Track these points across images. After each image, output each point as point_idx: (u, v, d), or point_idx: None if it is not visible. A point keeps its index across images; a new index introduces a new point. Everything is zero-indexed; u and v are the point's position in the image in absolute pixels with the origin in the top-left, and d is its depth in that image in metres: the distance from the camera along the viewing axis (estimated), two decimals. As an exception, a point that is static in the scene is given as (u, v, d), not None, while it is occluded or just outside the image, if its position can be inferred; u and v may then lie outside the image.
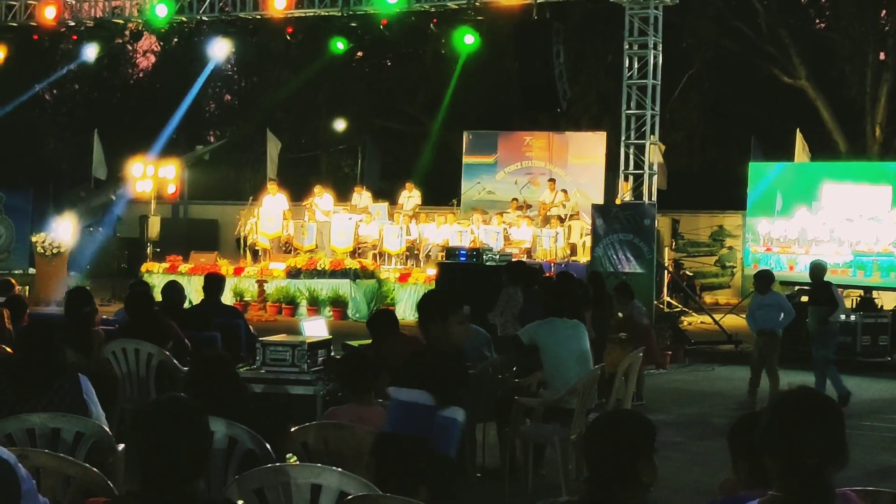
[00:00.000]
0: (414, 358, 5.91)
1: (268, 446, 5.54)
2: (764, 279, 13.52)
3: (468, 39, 21.96)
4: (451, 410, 5.47)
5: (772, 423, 3.26)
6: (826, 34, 32.04)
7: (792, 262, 19.22)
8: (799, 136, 22.82)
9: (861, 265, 18.62)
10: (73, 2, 23.71)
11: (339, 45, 22.71)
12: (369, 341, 8.73)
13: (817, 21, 35.35)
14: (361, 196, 25.73)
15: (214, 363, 5.81)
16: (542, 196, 25.51)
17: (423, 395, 5.49)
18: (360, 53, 34.80)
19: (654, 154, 19.84)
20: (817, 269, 13.70)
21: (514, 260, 17.50)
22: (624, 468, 3.64)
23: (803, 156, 22.70)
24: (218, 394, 5.57)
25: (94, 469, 4.91)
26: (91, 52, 24.40)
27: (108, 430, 5.82)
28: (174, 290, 10.50)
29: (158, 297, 11.07)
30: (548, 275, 15.79)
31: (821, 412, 3.27)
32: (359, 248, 23.72)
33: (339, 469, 4.95)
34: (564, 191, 25.01)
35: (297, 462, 5.60)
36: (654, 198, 19.87)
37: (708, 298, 26.70)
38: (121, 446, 5.87)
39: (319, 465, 5.22)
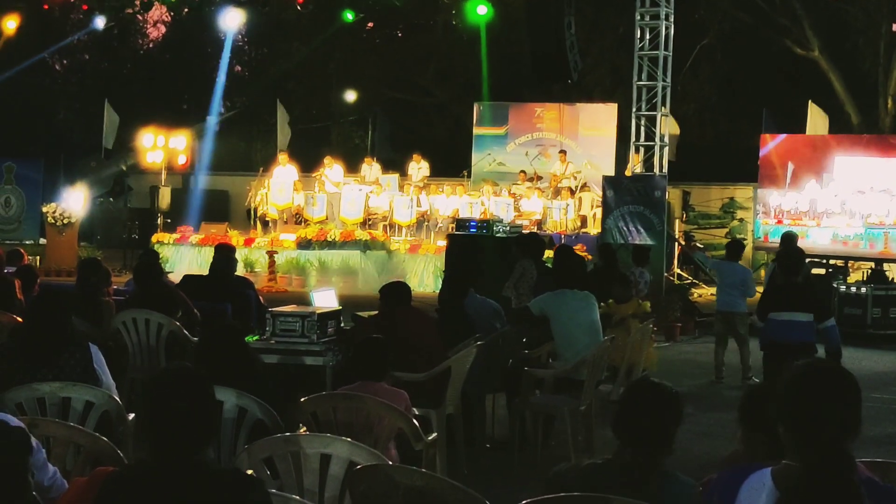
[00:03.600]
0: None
1: (277, 416, 5.55)
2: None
3: (481, 10, 21.84)
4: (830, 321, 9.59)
5: (793, 395, 3.26)
6: (840, 6, 31.78)
7: (803, 234, 19.16)
8: (813, 108, 22.70)
9: (872, 237, 18.56)
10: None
11: (349, 14, 22.59)
12: (377, 312, 8.75)
13: (831, -8, 35.07)
14: (371, 167, 25.70)
15: (225, 333, 5.82)
16: (553, 167, 25.45)
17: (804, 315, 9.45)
18: (370, 24, 34.67)
19: (667, 125, 19.78)
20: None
21: (524, 232, 17.46)
22: (667, 434, 3.97)
23: (817, 127, 22.60)
24: (228, 364, 5.58)
25: (104, 438, 4.92)
26: (101, 20, 24.34)
27: (118, 399, 5.84)
28: (226, 256, 10.49)
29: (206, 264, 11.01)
30: (556, 246, 15.77)
31: (842, 385, 3.28)
32: (369, 220, 23.70)
33: (349, 439, 4.97)
34: (574, 163, 24.98)
35: (307, 432, 5.61)
36: (665, 170, 19.82)
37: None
38: (131, 416, 5.89)
39: (329, 434, 5.23)
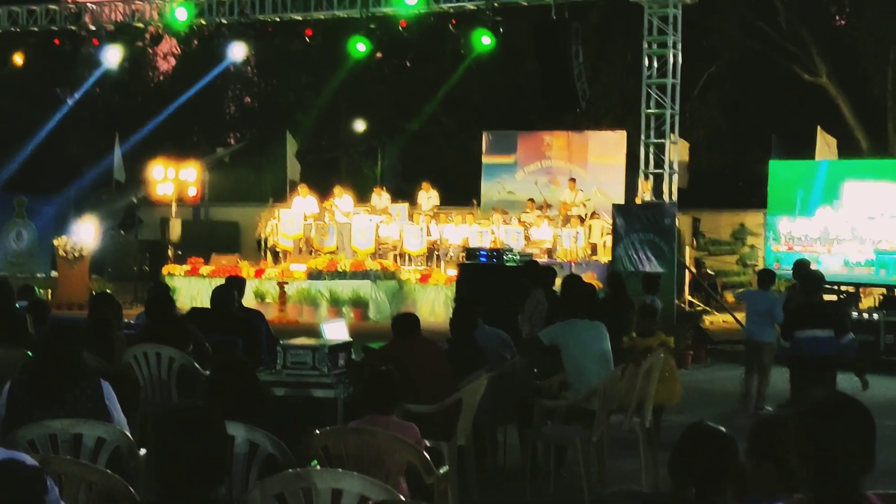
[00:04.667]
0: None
1: (289, 451, 5.54)
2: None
3: (485, 40, 21.92)
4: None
5: (808, 429, 3.25)
6: (847, 32, 31.88)
7: (814, 260, 19.11)
8: (821, 134, 22.70)
9: (883, 263, 18.50)
10: (94, 6, 23.82)
11: (361, 46, 22.66)
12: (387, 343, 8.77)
13: (838, 18, 35.18)
14: (381, 197, 25.78)
15: (235, 368, 5.82)
16: (563, 195, 25.47)
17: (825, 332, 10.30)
18: (379, 54, 34.83)
19: (676, 152, 19.81)
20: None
21: (532, 261, 17.45)
22: (728, 474, 3.96)
23: (825, 153, 22.58)
24: (239, 399, 5.57)
25: (116, 476, 4.92)
26: (113, 57, 24.44)
27: (129, 435, 5.83)
28: (226, 292, 10.47)
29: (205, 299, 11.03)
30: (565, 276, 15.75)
31: (857, 420, 3.27)
32: (379, 249, 23.74)
33: (360, 474, 4.96)
34: (584, 190, 25.00)
35: (319, 467, 5.60)
36: (675, 197, 19.83)
37: (730, 297, 26.54)
38: (142, 451, 5.88)
39: (340, 469, 5.22)
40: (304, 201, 24.49)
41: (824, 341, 10.57)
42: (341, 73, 31.16)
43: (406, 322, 8.44)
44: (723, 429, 4.07)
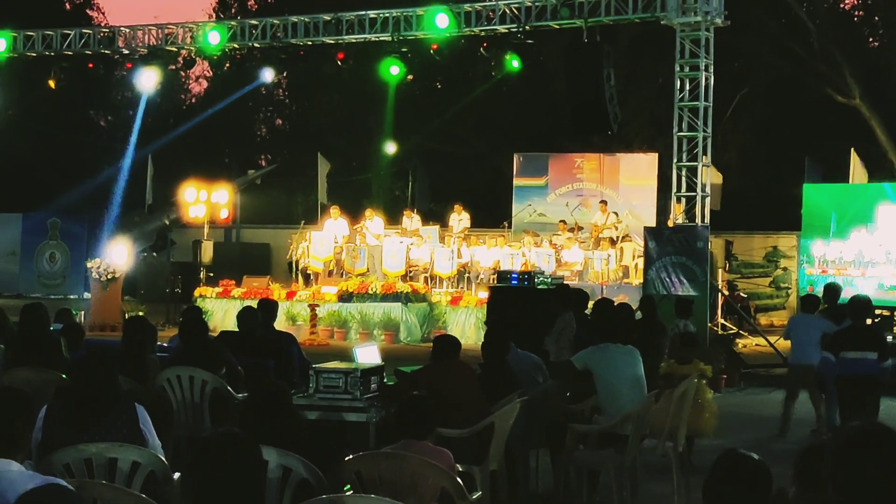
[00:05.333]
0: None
1: (321, 475, 5.54)
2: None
3: (515, 63, 21.96)
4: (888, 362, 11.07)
5: (843, 458, 3.22)
6: (880, 52, 31.72)
7: (848, 283, 18.99)
8: (854, 156, 22.59)
9: (918, 287, 18.38)
10: (128, 30, 24.04)
11: (394, 69, 22.77)
12: (420, 367, 8.77)
13: (871, 39, 35.03)
14: (412, 219, 25.81)
15: (272, 395, 5.82)
16: (594, 218, 25.42)
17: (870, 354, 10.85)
18: (410, 77, 34.96)
19: (709, 175, 19.75)
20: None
21: (562, 284, 17.40)
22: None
23: (858, 176, 22.47)
24: (273, 424, 5.58)
25: (151, 500, 4.93)
26: (148, 81, 24.62)
27: (164, 459, 5.85)
28: (250, 316, 10.50)
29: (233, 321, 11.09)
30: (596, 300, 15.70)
31: (893, 450, 3.23)
32: (410, 272, 23.74)
33: (393, 500, 4.94)
34: (615, 213, 24.94)
35: (352, 492, 5.59)
36: (708, 220, 19.75)
37: (763, 320, 26.44)
38: (176, 475, 5.90)
39: (374, 495, 5.21)
40: (335, 223, 24.56)
41: (868, 363, 11.08)
42: (372, 95, 31.25)
43: (446, 345, 8.41)
44: (756, 456, 4.01)
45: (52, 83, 24.45)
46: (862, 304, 11.92)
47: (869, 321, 17.76)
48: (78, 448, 5.64)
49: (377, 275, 23.32)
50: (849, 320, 11.84)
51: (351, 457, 5.97)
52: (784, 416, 12.98)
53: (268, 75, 25.01)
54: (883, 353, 11.22)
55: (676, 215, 20.02)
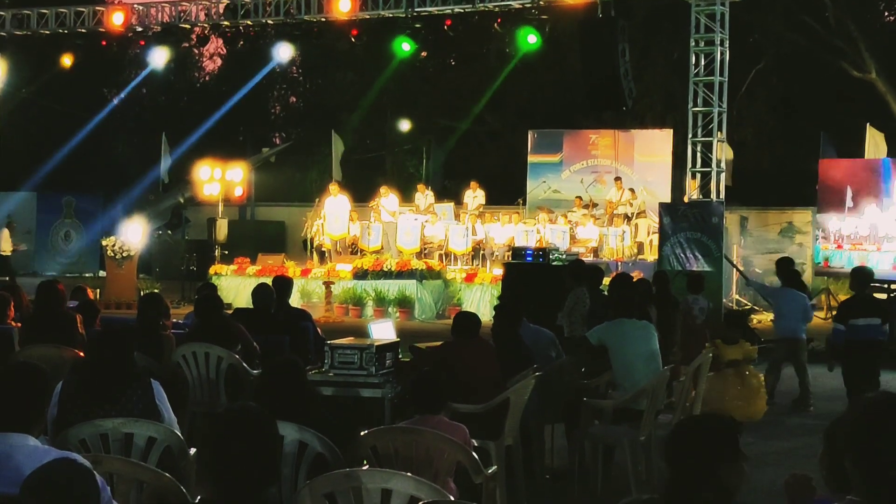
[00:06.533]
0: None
1: (337, 450, 5.55)
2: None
3: (531, 39, 21.88)
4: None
5: (859, 429, 3.21)
6: (896, 26, 31.53)
7: (863, 258, 18.93)
8: (870, 131, 22.47)
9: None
10: (141, 7, 24.02)
11: (406, 46, 22.70)
12: (437, 343, 8.76)
13: (887, 14, 34.79)
14: (425, 195, 25.78)
15: (286, 369, 5.82)
16: (609, 194, 25.38)
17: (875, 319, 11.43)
18: (423, 53, 34.90)
19: (724, 150, 19.68)
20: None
21: (576, 260, 17.38)
22: (706, 473, 3.60)
23: (874, 151, 22.36)
24: (289, 399, 5.59)
25: (168, 475, 4.95)
26: (159, 58, 24.63)
27: (179, 434, 5.87)
28: (265, 293, 10.51)
29: (247, 299, 11.11)
30: (614, 274, 15.69)
31: None
32: (425, 249, 23.75)
33: (409, 474, 4.96)
34: (632, 189, 24.88)
35: (368, 467, 5.60)
36: (723, 195, 19.69)
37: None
38: (192, 450, 5.92)
39: (389, 469, 5.22)
40: (335, 200, 24.42)
41: (875, 328, 11.73)
42: (386, 72, 31.19)
43: (465, 323, 8.39)
44: (723, 418, 3.80)
45: (66, 62, 24.46)
46: (865, 274, 12.57)
47: (884, 296, 17.83)
48: (94, 423, 5.67)
49: (392, 252, 23.33)
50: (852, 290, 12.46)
51: (366, 432, 5.99)
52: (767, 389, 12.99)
53: (283, 54, 24.94)
54: (885, 318, 11.86)
55: (691, 191, 19.96)
